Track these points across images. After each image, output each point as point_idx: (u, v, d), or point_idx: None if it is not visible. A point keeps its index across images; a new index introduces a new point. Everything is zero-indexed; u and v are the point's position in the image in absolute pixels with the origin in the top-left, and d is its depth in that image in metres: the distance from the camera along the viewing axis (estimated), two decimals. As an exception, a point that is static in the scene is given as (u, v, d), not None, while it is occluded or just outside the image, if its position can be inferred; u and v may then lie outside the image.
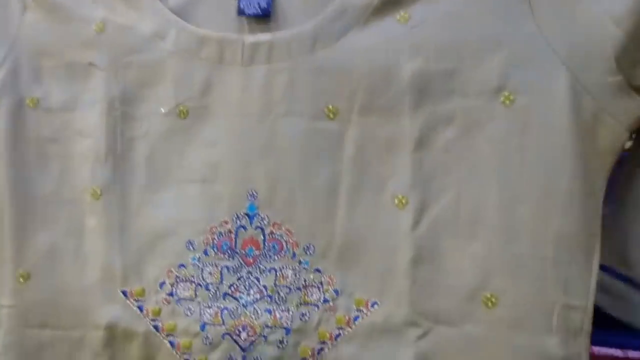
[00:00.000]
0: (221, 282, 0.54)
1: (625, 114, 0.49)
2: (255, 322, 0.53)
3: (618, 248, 0.58)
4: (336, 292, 0.53)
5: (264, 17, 0.56)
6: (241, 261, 0.54)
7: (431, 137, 0.52)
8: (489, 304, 0.50)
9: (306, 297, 0.53)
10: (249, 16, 0.56)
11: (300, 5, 0.56)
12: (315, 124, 0.54)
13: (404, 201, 0.52)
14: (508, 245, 0.50)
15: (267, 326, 0.53)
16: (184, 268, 0.54)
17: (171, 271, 0.55)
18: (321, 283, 0.53)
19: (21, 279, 0.56)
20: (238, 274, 0.54)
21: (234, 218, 0.54)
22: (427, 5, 0.53)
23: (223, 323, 0.53)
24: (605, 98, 0.48)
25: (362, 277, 0.53)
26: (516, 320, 0.50)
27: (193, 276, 0.54)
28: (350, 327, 0.52)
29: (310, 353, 0.52)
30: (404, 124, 0.53)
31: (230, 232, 0.54)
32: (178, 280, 0.54)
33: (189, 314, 0.54)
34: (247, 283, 0.54)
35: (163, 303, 0.54)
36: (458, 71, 0.52)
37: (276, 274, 0.53)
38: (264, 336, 0.53)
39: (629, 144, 0.52)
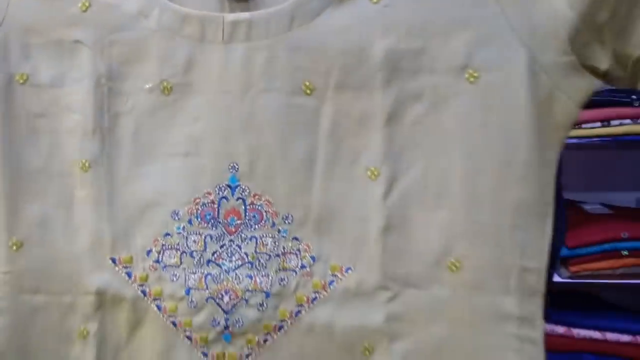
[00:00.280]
0: (205, 249, 0.56)
1: (577, 92, 0.52)
2: (237, 286, 0.55)
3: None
4: (313, 258, 0.55)
5: None
6: (224, 230, 0.56)
7: (401, 113, 0.54)
8: (453, 268, 0.53)
9: (285, 263, 0.56)
10: None
11: None
12: (293, 100, 0.55)
13: (376, 173, 0.54)
14: (471, 214, 0.53)
15: (248, 290, 0.55)
16: (169, 237, 0.56)
17: (157, 240, 0.56)
18: (299, 250, 0.56)
19: (14, 247, 0.58)
20: (221, 242, 0.56)
21: (217, 189, 0.56)
22: None
23: (207, 288, 0.55)
24: (560, 77, 0.51)
25: (337, 245, 0.56)
26: (478, 282, 0.53)
27: (178, 244, 0.56)
28: (326, 291, 0.55)
29: (288, 315, 0.55)
30: (376, 100, 0.54)
31: (213, 202, 0.56)
32: (164, 248, 0.56)
33: (174, 279, 0.56)
34: (229, 250, 0.56)
35: (150, 270, 0.56)
36: (427, 50, 0.53)
37: (256, 242, 0.56)
38: (245, 300, 0.55)
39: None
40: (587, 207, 1.88)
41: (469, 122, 0.53)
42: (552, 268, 0.67)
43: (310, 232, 0.56)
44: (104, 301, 0.57)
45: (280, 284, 0.55)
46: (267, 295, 0.55)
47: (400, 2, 0.54)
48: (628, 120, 1.64)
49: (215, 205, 0.56)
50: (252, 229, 0.56)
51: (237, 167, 0.56)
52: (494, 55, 0.52)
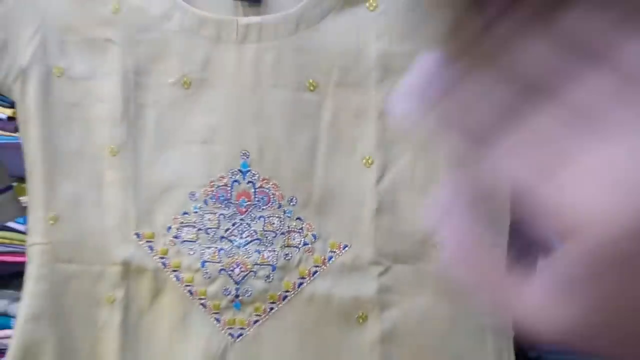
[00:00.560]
0: (218, 227, 0.61)
1: None
2: (246, 260, 0.60)
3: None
4: (314, 236, 0.60)
5: (256, 2, 0.61)
6: (235, 210, 0.61)
7: None
8: (438, 246, 0.58)
9: (289, 240, 0.61)
10: (243, 1, 0.62)
11: None
12: (298, 95, 0.60)
13: (370, 161, 0.59)
14: None
15: (256, 264, 0.60)
16: (187, 215, 0.61)
17: (176, 218, 0.61)
18: (302, 229, 0.61)
19: (51, 222, 0.62)
20: (233, 221, 0.61)
21: (230, 174, 0.61)
22: None
23: (220, 261, 0.60)
24: None
25: (336, 224, 0.61)
26: None
27: (195, 222, 0.61)
28: (325, 266, 0.60)
29: (291, 286, 0.60)
30: (370, 96, 0.59)
31: (226, 185, 0.61)
32: (182, 225, 0.61)
33: (191, 253, 0.61)
34: (240, 228, 0.61)
35: (170, 244, 0.61)
36: (414, 53, 0.58)
37: (264, 221, 0.61)
38: (253, 272, 0.60)
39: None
40: None
41: None
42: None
43: (312, 213, 0.61)
44: (129, 271, 0.62)
45: (285, 258, 0.60)
46: (273, 268, 0.60)
47: (392, 10, 0.59)
48: None
49: (228, 188, 0.61)
50: (261, 210, 0.61)
51: (248, 154, 0.60)
52: None
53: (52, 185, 0.62)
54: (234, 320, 0.61)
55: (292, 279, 0.61)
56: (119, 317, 0.62)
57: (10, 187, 0.75)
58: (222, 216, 0.61)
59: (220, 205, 0.61)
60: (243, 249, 0.61)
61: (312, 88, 0.60)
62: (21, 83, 0.62)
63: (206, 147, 0.61)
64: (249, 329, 0.61)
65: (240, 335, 0.61)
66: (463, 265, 0.23)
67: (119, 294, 0.62)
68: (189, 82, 0.61)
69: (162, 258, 0.62)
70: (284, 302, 0.61)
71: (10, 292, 2.04)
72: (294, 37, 0.60)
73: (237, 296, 0.61)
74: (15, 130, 1.95)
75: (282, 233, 0.61)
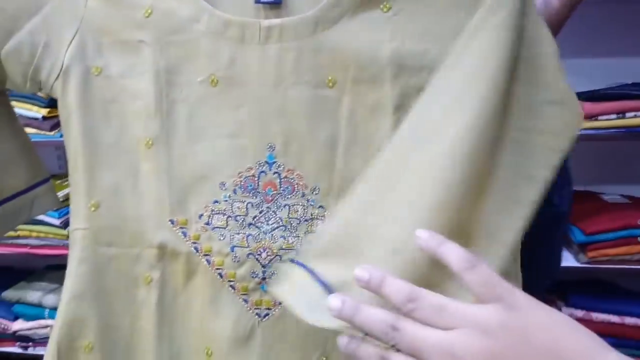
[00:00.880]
0: (247, 214, 0.64)
1: None
2: (272, 245, 0.64)
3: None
4: None
5: (276, 5, 0.64)
6: (262, 199, 0.64)
7: (406, 103, 0.61)
8: None
9: (312, 227, 0.64)
10: (265, 4, 0.65)
11: None
12: (318, 92, 0.63)
13: None
14: None
15: (282, 248, 0.64)
16: (217, 204, 0.64)
17: (207, 206, 0.65)
18: (324, 216, 0.64)
19: (92, 208, 0.66)
20: (260, 209, 0.64)
21: (257, 165, 0.64)
22: None
23: (248, 246, 0.64)
24: None
25: None
26: None
27: (225, 210, 0.64)
28: None
29: None
30: (385, 92, 0.62)
31: (253, 176, 0.64)
32: (213, 213, 0.65)
33: (221, 238, 0.64)
34: (266, 215, 0.64)
35: (201, 230, 0.65)
36: (427, 51, 0.61)
37: (289, 209, 0.64)
38: (279, 256, 0.64)
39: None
40: (606, 197, 1.90)
41: None
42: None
43: (334, 201, 0.63)
44: (164, 254, 0.65)
45: None
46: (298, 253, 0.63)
47: (406, 12, 0.62)
48: None
49: (256, 178, 0.64)
50: (286, 198, 0.64)
51: (274, 147, 0.64)
52: None
53: (93, 175, 0.66)
54: (261, 301, 0.64)
55: None
56: (156, 296, 0.66)
57: (47, 180, 0.80)
58: (250, 204, 0.64)
59: (248, 194, 0.64)
60: (269, 234, 0.64)
61: (330, 85, 0.63)
62: (62, 82, 0.65)
63: (234, 140, 0.64)
64: (275, 309, 0.64)
65: (267, 315, 0.65)
66: None
67: (156, 275, 0.66)
68: (216, 81, 0.64)
69: (194, 243, 0.65)
70: None
71: (44, 284, 2.12)
72: (313, 38, 0.62)
73: (264, 278, 0.64)
74: (50, 129, 2.03)
75: (306, 220, 0.64)
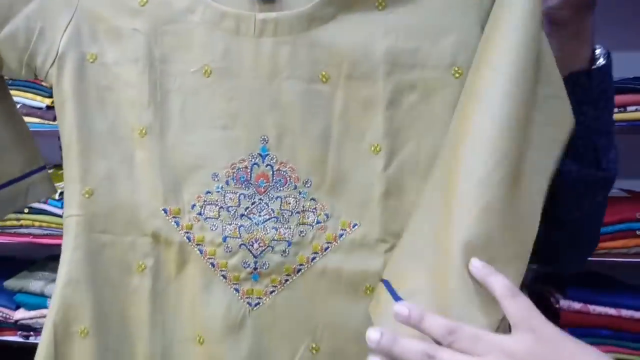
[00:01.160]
0: (239, 205, 0.65)
1: None
2: (264, 236, 0.65)
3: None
4: (326, 215, 0.65)
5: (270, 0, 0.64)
6: (255, 190, 0.65)
7: (399, 99, 0.62)
8: None
9: (304, 219, 0.65)
10: None
11: None
12: (312, 86, 0.63)
13: (378, 148, 0.63)
14: None
15: (273, 239, 0.64)
16: (210, 194, 0.65)
17: (200, 196, 0.65)
18: (315, 209, 0.65)
19: (86, 195, 0.67)
20: (252, 200, 0.65)
21: (250, 157, 0.65)
22: None
23: (240, 236, 0.65)
24: None
25: (346, 205, 0.64)
26: None
27: (217, 200, 0.65)
28: (336, 242, 0.64)
29: (305, 260, 0.65)
30: (378, 88, 0.62)
31: (246, 168, 0.65)
32: (205, 203, 0.65)
33: (213, 229, 0.65)
34: (259, 207, 0.65)
35: (194, 220, 0.65)
36: (420, 49, 0.62)
37: (281, 201, 0.65)
38: (271, 247, 0.65)
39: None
40: None
41: (454, 109, 0.61)
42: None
43: (325, 194, 0.64)
44: (158, 242, 0.66)
45: (299, 235, 0.65)
46: (289, 244, 0.65)
47: (399, 10, 0.62)
48: None
49: (248, 170, 0.65)
50: (278, 190, 0.65)
51: (267, 139, 0.64)
52: (473, 57, 0.61)
53: (87, 162, 0.67)
54: (252, 290, 0.65)
55: (306, 254, 0.65)
56: (149, 284, 0.67)
57: (43, 168, 0.81)
58: (242, 196, 0.65)
59: (240, 185, 0.65)
60: (261, 226, 0.65)
61: (324, 80, 0.63)
62: (57, 68, 0.66)
63: (227, 132, 0.65)
64: (266, 299, 0.65)
65: (258, 304, 0.66)
66: None
67: (149, 262, 0.67)
68: (210, 71, 0.65)
69: (187, 233, 0.66)
70: (298, 275, 0.65)
71: (46, 273, 2.12)
72: (308, 33, 0.63)
73: (255, 269, 0.65)
74: (54, 119, 2.04)
75: (298, 212, 0.65)
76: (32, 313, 2.06)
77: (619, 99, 1.67)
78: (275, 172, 0.65)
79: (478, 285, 0.53)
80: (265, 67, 0.64)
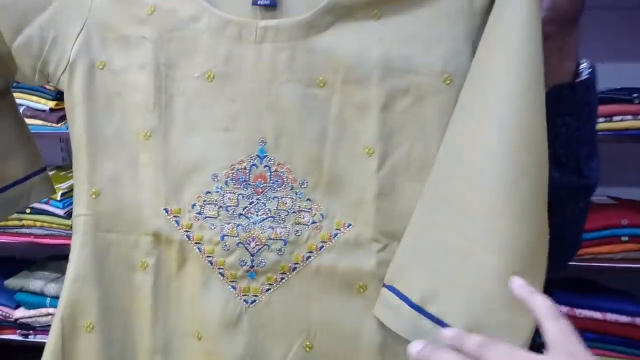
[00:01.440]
0: (237, 205, 0.67)
1: None
2: (261, 235, 0.66)
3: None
4: (322, 215, 0.67)
5: (272, 7, 0.67)
6: (253, 191, 0.67)
7: (392, 103, 0.64)
8: None
9: (299, 219, 0.67)
10: (261, 6, 0.67)
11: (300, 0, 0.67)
12: (309, 90, 0.65)
13: (372, 151, 0.65)
14: None
15: (270, 238, 0.66)
16: (209, 194, 0.67)
17: (200, 196, 0.67)
18: (311, 209, 0.67)
19: (93, 196, 0.69)
20: (250, 200, 0.67)
21: (249, 158, 0.66)
22: (393, 6, 0.64)
23: (237, 235, 0.67)
24: None
25: (341, 206, 0.66)
26: None
27: (216, 200, 0.67)
28: (331, 241, 0.66)
29: (301, 259, 0.67)
30: (372, 93, 0.64)
31: (245, 168, 0.67)
32: (205, 203, 0.67)
33: (212, 228, 0.67)
34: (256, 207, 0.67)
35: (194, 220, 0.67)
36: (413, 56, 0.64)
37: (278, 201, 0.67)
38: (267, 245, 0.66)
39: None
40: (593, 198, 1.91)
41: (445, 113, 0.64)
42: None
43: (320, 195, 0.66)
44: (159, 241, 0.68)
45: (295, 234, 0.66)
46: (285, 243, 0.67)
47: (393, 20, 0.64)
48: (629, 116, 1.70)
49: (247, 171, 0.67)
50: (275, 191, 0.67)
51: (265, 141, 0.66)
52: (463, 65, 0.63)
53: (95, 164, 0.69)
54: (249, 288, 0.67)
55: (301, 252, 0.67)
56: (151, 281, 0.69)
57: (44, 169, 0.83)
58: (240, 196, 0.67)
59: (239, 186, 0.67)
60: (258, 225, 0.67)
61: (321, 84, 0.66)
62: (69, 74, 0.69)
63: (228, 134, 0.67)
64: (262, 296, 0.67)
65: (254, 301, 0.67)
66: None
67: (151, 260, 0.69)
68: (213, 76, 0.67)
69: (187, 231, 0.68)
70: (293, 273, 0.67)
71: (46, 273, 2.13)
72: (306, 40, 0.65)
73: (252, 267, 0.67)
74: (57, 121, 2.06)
75: (294, 212, 0.67)
76: (32, 312, 2.07)
77: (606, 109, 1.70)
78: (272, 173, 0.67)
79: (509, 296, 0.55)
80: (265, 71, 0.66)
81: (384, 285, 0.65)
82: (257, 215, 0.67)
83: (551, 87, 0.66)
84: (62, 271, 2.09)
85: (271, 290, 0.67)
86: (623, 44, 1.96)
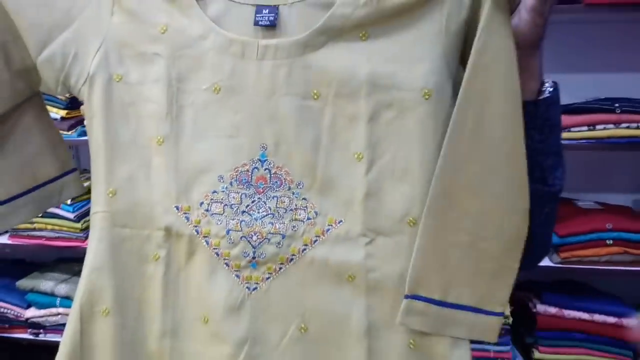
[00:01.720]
0: (241, 203, 0.72)
1: None
2: (262, 230, 0.71)
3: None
4: (316, 213, 0.71)
5: (272, 27, 0.72)
6: (254, 190, 0.72)
7: (377, 115, 0.69)
8: (411, 224, 0.70)
9: (296, 215, 0.71)
10: (262, 26, 0.72)
11: (297, 21, 0.72)
12: (305, 102, 0.70)
13: (360, 156, 0.70)
14: (425, 187, 0.69)
15: (270, 233, 0.71)
16: (216, 193, 0.72)
17: (207, 195, 0.72)
18: (306, 207, 0.72)
19: (110, 194, 0.74)
20: (252, 199, 0.72)
21: (251, 162, 0.71)
22: (380, 28, 0.69)
23: (241, 230, 0.71)
24: None
25: (333, 204, 0.71)
26: None
27: (222, 199, 0.72)
28: (324, 236, 0.71)
29: (297, 251, 0.72)
30: (361, 105, 0.69)
31: (248, 171, 0.71)
32: (212, 201, 0.72)
33: (218, 223, 0.72)
34: (258, 205, 0.72)
35: (202, 216, 0.72)
36: (397, 73, 0.69)
37: (277, 200, 0.72)
38: (267, 239, 0.71)
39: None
40: (580, 203, 1.97)
41: (425, 125, 0.69)
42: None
43: (315, 195, 0.71)
44: (170, 235, 0.73)
45: (292, 229, 0.71)
46: (283, 237, 0.71)
47: (380, 41, 0.69)
48: (611, 125, 1.75)
49: (249, 173, 0.71)
50: (275, 191, 0.72)
51: (266, 147, 0.71)
52: (441, 82, 0.68)
53: (112, 166, 0.74)
54: (251, 276, 0.72)
55: (297, 245, 0.72)
56: (162, 271, 0.74)
57: (74, 170, 0.90)
58: (243, 195, 0.72)
59: (242, 186, 0.72)
60: (260, 221, 0.71)
61: (315, 97, 0.70)
62: (88, 86, 0.74)
63: (232, 140, 0.72)
64: (262, 284, 0.72)
65: (255, 288, 0.72)
66: None
67: (162, 253, 0.74)
68: (219, 89, 0.72)
69: (195, 226, 0.73)
70: (290, 264, 0.72)
71: (57, 274, 2.17)
72: (302, 57, 0.70)
73: (254, 258, 0.72)
74: (68, 129, 2.12)
75: (291, 209, 0.71)
76: (42, 312, 2.11)
77: (589, 118, 1.75)
78: (272, 175, 0.71)
79: None
80: (266, 85, 0.71)
81: (407, 297, 0.70)
82: (258, 212, 0.72)
83: None
84: (72, 273, 2.16)
85: (271, 278, 0.72)
86: (607, 57, 2.01)
